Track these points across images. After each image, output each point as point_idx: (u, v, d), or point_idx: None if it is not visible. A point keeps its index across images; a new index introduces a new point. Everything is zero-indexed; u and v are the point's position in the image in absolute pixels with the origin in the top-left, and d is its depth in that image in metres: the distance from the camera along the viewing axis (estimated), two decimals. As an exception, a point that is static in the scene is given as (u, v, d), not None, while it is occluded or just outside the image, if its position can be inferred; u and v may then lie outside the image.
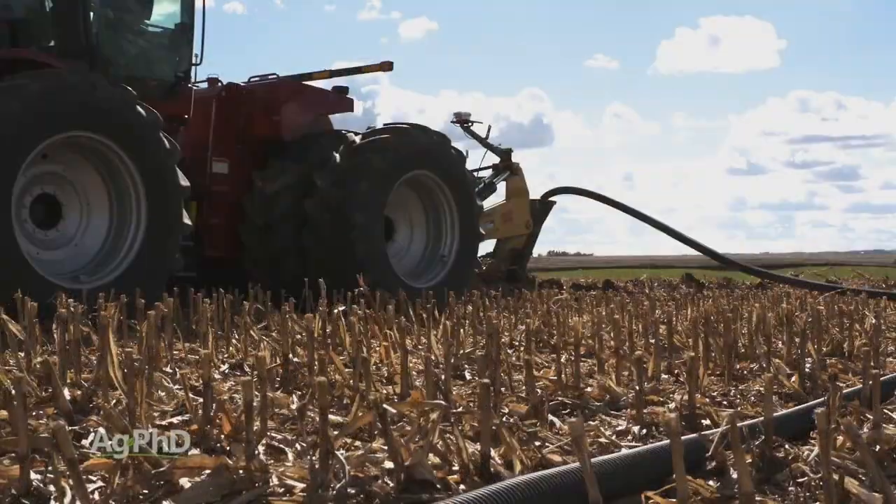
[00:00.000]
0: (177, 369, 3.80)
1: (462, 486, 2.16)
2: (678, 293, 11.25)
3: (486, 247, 12.56)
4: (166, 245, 6.94)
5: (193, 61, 8.28)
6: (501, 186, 12.24)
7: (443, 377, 3.26)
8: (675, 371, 4.04)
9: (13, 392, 2.13)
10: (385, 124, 9.16)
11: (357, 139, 8.79)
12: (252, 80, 9.38)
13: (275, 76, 9.38)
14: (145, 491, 2.08)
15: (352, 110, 9.71)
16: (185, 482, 2.12)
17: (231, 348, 4.51)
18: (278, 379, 3.63)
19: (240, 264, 8.49)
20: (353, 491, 2.07)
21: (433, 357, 3.29)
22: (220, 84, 9.10)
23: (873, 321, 5.14)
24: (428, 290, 6.99)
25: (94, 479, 2.15)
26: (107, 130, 6.65)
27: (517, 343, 5.01)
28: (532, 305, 7.73)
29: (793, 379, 3.75)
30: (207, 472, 2.14)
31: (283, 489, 2.11)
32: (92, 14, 7.47)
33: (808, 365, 3.94)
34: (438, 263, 9.14)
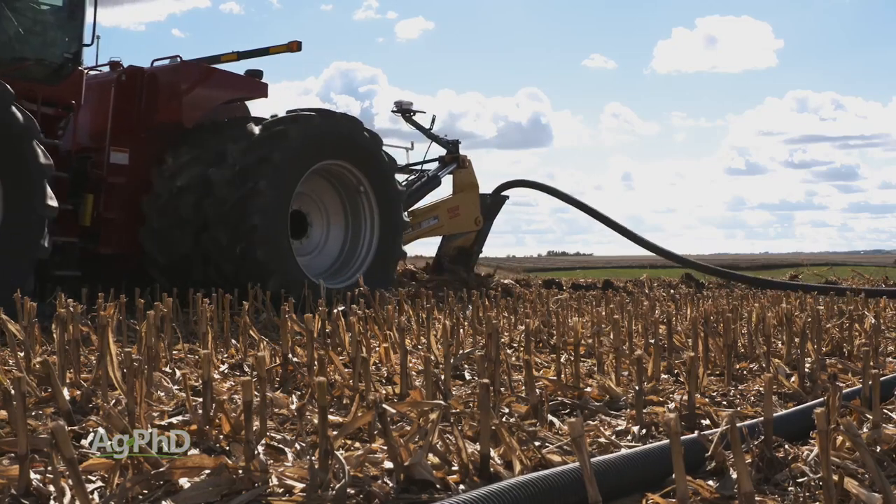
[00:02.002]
0: (176, 369, 3.80)
1: (462, 486, 2.17)
2: (678, 293, 11.25)
3: (430, 244, 12.37)
4: (29, 229, 6.16)
5: (84, 42, 7.62)
6: (448, 180, 11.75)
7: (442, 377, 3.26)
8: (675, 371, 4.04)
9: (13, 392, 2.12)
10: (288, 111, 8.30)
11: (256, 130, 7.94)
12: (155, 62, 8.54)
13: (178, 58, 8.54)
14: (145, 491, 2.08)
15: (266, 96, 8.89)
16: (184, 482, 2.12)
17: (230, 348, 4.51)
18: (278, 379, 3.63)
19: (142, 265, 7.89)
20: (352, 491, 2.07)
21: (433, 357, 3.29)
22: (121, 68, 8.38)
23: (873, 321, 5.15)
24: (345, 290, 6.65)
25: (93, 479, 2.15)
26: None
27: (517, 343, 5.02)
28: (532, 305, 7.73)
29: (792, 379, 3.75)
30: (207, 472, 2.14)
31: (282, 489, 2.11)
32: None
33: (807, 365, 3.95)
34: (357, 260, 8.51)
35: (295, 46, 8.78)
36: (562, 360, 3.81)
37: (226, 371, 3.93)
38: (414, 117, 12.06)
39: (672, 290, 12.27)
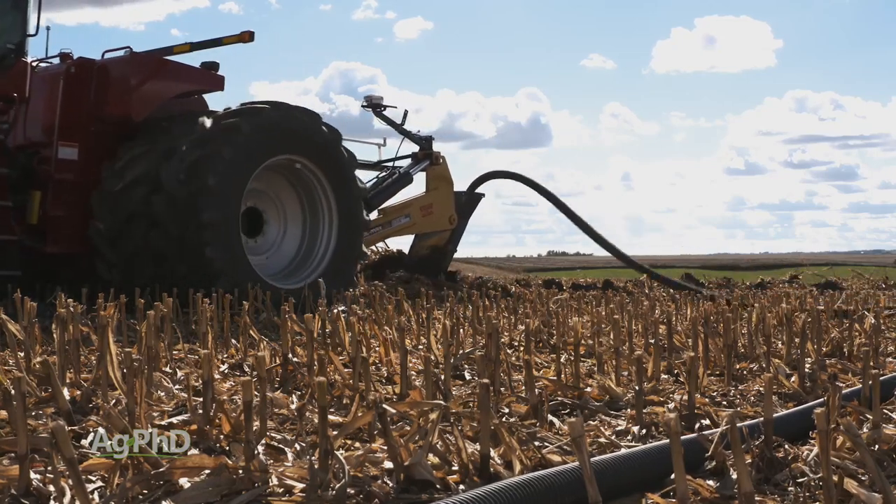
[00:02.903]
0: (176, 369, 3.80)
1: (462, 486, 2.17)
2: (678, 293, 11.25)
3: (403, 242, 11.89)
4: None
5: (28, 31, 7.31)
6: (421, 178, 11.45)
7: (442, 377, 3.26)
8: (675, 371, 4.04)
9: (13, 392, 2.12)
10: (242, 104, 7.94)
11: (207, 124, 7.51)
12: (106, 54, 8.20)
13: (129, 49, 8.11)
14: (145, 491, 2.07)
15: (222, 89, 8.51)
16: (184, 482, 2.12)
17: (231, 348, 4.52)
18: (278, 379, 3.63)
19: (92, 264, 7.47)
20: (352, 491, 2.07)
21: (433, 357, 3.29)
22: (70, 59, 7.98)
23: (873, 321, 5.15)
24: (300, 290, 6.40)
25: (93, 479, 2.15)
26: None
27: (517, 343, 5.02)
28: (532, 305, 7.73)
29: (792, 379, 3.75)
30: (207, 472, 2.14)
31: (282, 489, 2.11)
32: None
33: (807, 365, 3.95)
34: (315, 260, 8.14)
35: (247, 37, 8.45)
36: (562, 360, 3.81)
37: (226, 371, 3.93)
38: (385, 112, 11.70)
39: (672, 290, 12.28)
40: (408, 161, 11.52)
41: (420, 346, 4.71)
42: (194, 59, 8.56)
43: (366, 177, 11.13)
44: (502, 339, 4.32)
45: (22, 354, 3.53)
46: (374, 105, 11.65)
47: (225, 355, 4.34)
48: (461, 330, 5.18)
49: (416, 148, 11.63)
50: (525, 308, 7.46)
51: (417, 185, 11.52)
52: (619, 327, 4.36)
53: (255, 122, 7.46)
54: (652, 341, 4.25)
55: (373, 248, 11.38)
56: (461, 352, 4.24)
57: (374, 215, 10.55)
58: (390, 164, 11.44)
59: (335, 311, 4.93)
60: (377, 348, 4.28)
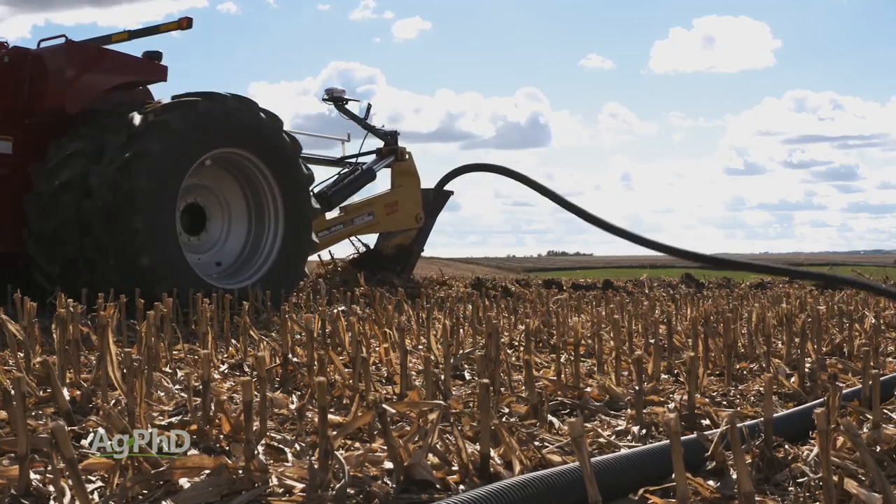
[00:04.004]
0: (176, 369, 3.80)
1: (462, 486, 2.17)
2: (678, 293, 11.25)
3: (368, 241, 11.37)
4: None
5: None
6: (385, 174, 11.02)
7: (442, 377, 3.26)
8: (675, 371, 4.04)
9: (12, 392, 2.12)
10: (174, 97, 7.48)
11: (136, 120, 7.02)
12: (42, 43, 7.72)
13: (64, 37, 7.62)
14: (145, 491, 2.08)
15: (164, 79, 8.09)
16: (184, 482, 2.12)
17: (231, 348, 4.52)
18: (278, 379, 3.63)
19: (27, 268, 7.08)
20: (352, 491, 2.07)
21: (433, 357, 3.29)
22: (5, 48, 7.56)
23: (873, 321, 5.15)
24: (243, 290, 6.20)
25: (93, 479, 2.15)
26: None
27: (517, 343, 5.02)
28: (532, 305, 7.73)
29: (792, 379, 3.75)
30: (207, 472, 2.14)
31: (282, 489, 2.11)
32: None
33: (807, 365, 3.95)
34: (260, 258, 7.74)
35: (185, 23, 8.14)
36: (562, 360, 3.81)
37: (226, 371, 3.93)
38: (347, 106, 11.26)
39: (672, 290, 12.27)
40: (372, 157, 11.11)
41: (420, 346, 4.71)
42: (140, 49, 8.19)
43: (328, 173, 10.81)
44: (502, 339, 4.32)
45: (22, 354, 3.53)
46: (336, 99, 11.20)
47: (225, 355, 4.35)
48: (461, 330, 5.18)
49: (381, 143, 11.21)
50: (525, 308, 7.47)
51: (383, 183, 11.15)
52: (619, 327, 4.36)
53: (186, 117, 7.02)
54: (652, 341, 4.25)
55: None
56: (461, 352, 4.24)
57: (334, 213, 10.27)
58: (353, 160, 11.07)
59: (335, 311, 4.93)
60: (377, 348, 4.28)
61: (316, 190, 9.98)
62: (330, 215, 10.25)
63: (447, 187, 11.86)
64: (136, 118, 7.02)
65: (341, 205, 10.38)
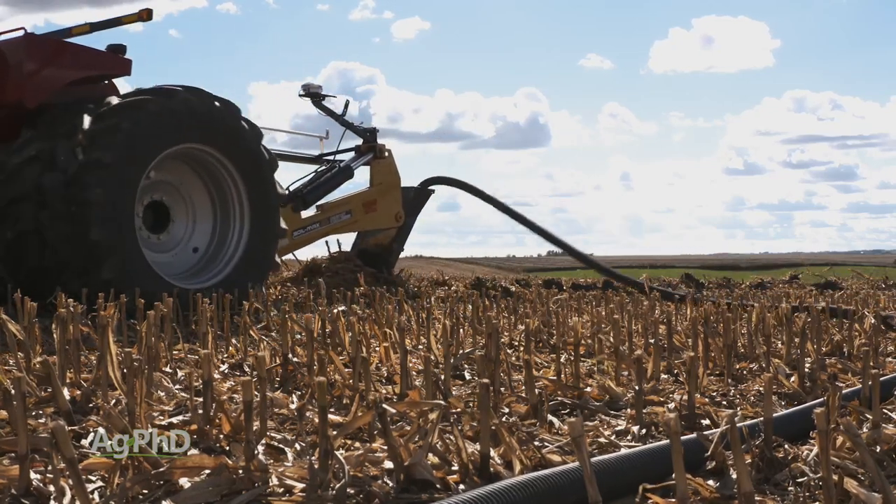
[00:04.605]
0: (177, 369, 3.80)
1: (462, 486, 2.17)
2: (678, 293, 11.24)
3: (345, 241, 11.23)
4: None
5: None
6: (364, 172, 10.79)
7: (442, 377, 3.26)
8: (675, 371, 4.04)
9: (13, 392, 2.13)
10: (123, 94, 7.11)
11: (86, 122, 6.64)
12: (0, 36, 7.34)
13: (22, 30, 7.24)
14: (145, 491, 2.08)
15: (128, 73, 7.78)
16: (184, 482, 2.12)
17: (231, 348, 4.52)
18: (278, 379, 3.63)
19: None
20: (352, 491, 2.07)
21: (433, 357, 3.29)
22: None
23: (873, 321, 5.15)
24: (209, 291, 6.01)
25: (93, 479, 2.15)
26: None
27: (517, 343, 5.02)
28: (532, 305, 7.73)
29: (792, 379, 3.75)
30: (207, 472, 2.14)
31: (282, 489, 2.11)
32: None
33: (807, 365, 3.95)
34: (224, 258, 7.45)
35: (145, 15, 7.76)
36: (562, 360, 3.81)
37: (226, 371, 3.93)
38: (324, 102, 10.98)
39: (672, 291, 12.27)
40: (351, 154, 10.84)
41: (420, 346, 4.71)
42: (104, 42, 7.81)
43: (306, 171, 10.60)
44: (502, 339, 4.32)
45: (22, 354, 3.53)
46: (313, 94, 10.93)
47: (225, 355, 4.35)
48: (461, 330, 5.18)
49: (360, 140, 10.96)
50: (525, 308, 7.47)
51: (363, 181, 10.94)
52: (619, 327, 4.36)
53: (137, 118, 6.67)
54: (652, 341, 4.25)
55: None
56: (461, 352, 4.24)
57: (311, 211, 10.06)
58: (331, 157, 10.83)
59: (335, 311, 4.93)
60: (377, 348, 4.28)
61: (292, 188, 9.84)
62: (306, 214, 10.01)
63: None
64: (86, 122, 6.66)
65: (318, 203, 10.14)
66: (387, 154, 10.91)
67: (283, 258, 10.30)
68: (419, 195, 11.50)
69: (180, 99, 7.00)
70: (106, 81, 7.67)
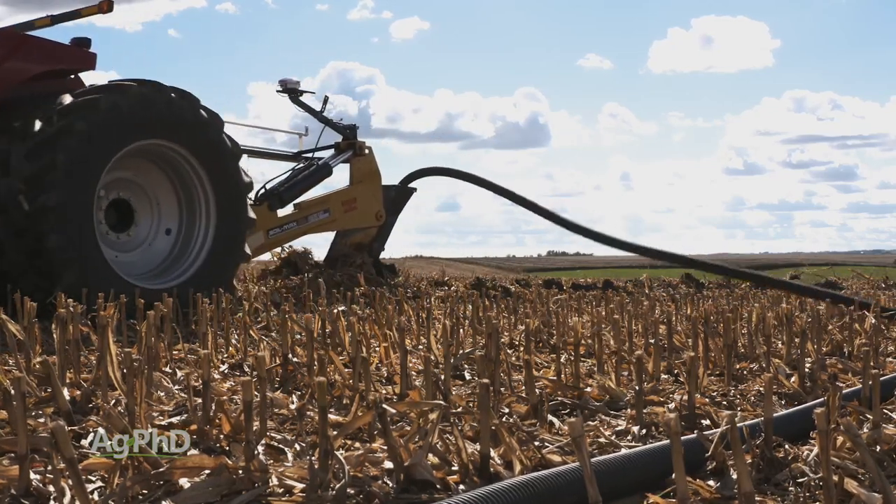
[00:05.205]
0: (176, 369, 3.80)
1: (462, 487, 2.17)
2: (678, 293, 11.24)
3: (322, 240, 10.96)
4: None
5: None
6: (344, 170, 10.54)
7: (442, 377, 3.26)
8: (675, 371, 4.04)
9: (12, 392, 2.12)
10: (72, 98, 6.72)
11: (37, 126, 6.39)
12: None
13: None
14: (145, 491, 2.08)
15: (93, 67, 7.50)
16: (184, 482, 2.12)
17: (231, 348, 4.52)
18: (278, 379, 3.63)
19: None
20: (352, 491, 2.07)
21: (433, 357, 3.29)
22: None
23: (873, 321, 5.14)
24: (173, 291, 5.76)
25: (93, 479, 2.15)
26: None
27: (517, 343, 5.02)
28: (532, 305, 7.73)
29: (792, 379, 3.75)
30: (207, 472, 2.14)
31: (282, 489, 2.11)
32: None
33: (807, 365, 3.95)
34: (189, 257, 7.22)
35: (105, 7, 7.44)
36: (562, 360, 3.81)
37: (226, 371, 3.93)
38: (302, 98, 10.64)
39: (672, 290, 12.27)
40: (330, 152, 10.56)
41: (420, 346, 4.71)
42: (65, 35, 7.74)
43: (282, 168, 10.39)
44: (502, 339, 4.32)
45: (22, 354, 3.53)
46: (290, 90, 10.59)
47: (225, 355, 4.35)
48: (461, 330, 5.18)
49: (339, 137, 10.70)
50: (525, 308, 7.47)
51: (342, 179, 10.66)
52: (620, 327, 4.36)
53: (89, 118, 6.40)
54: (652, 341, 4.25)
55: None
56: (461, 352, 4.24)
57: (288, 209, 9.86)
58: (310, 154, 10.59)
59: (335, 311, 4.93)
60: (377, 348, 4.28)
61: (268, 186, 9.64)
62: (283, 212, 9.79)
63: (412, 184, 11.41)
64: (37, 124, 6.42)
65: (294, 201, 9.91)
66: (367, 151, 10.69)
67: (260, 258, 10.20)
68: (401, 193, 11.23)
69: (134, 94, 6.75)
70: (73, 76, 7.42)
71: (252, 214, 7.70)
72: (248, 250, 7.75)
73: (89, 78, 7.61)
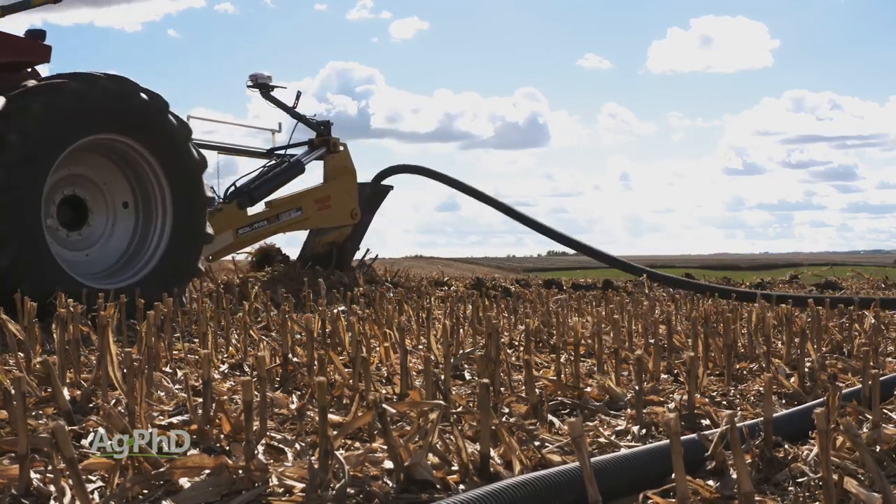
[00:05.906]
0: (177, 369, 3.80)
1: (462, 486, 2.17)
2: (678, 293, 11.24)
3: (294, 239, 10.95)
4: None
5: None
6: (317, 167, 10.40)
7: (442, 377, 3.26)
8: (675, 371, 4.04)
9: (13, 392, 2.13)
10: (40, 80, 6.64)
11: None
12: None
13: None
14: (145, 491, 2.08)
15: (48, 60, 7.25)
16: (184, 482, 2.12)
17: (231, 348, 4.52)
18: (278, 379, 3.63)
19: None
20: (352, 491, 2.07)
21: (433, 357, 3.29)
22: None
23: (873, 321, 5.15)
24: (129, 291, 5.64)
25: (93, 478, 2.15)
26: None
27: (517, 343, 5.02)
28: (532, 305, 7.73)
29: (792, 379, 3.75)
30: (207, 472, 2.14)
31: (282, 489, 2.11)
32: None
33: (807, 365, 3.95)
34: (146, 255, 6.99)
35: None
36: (562, 360, 3.81)
37: (226, 371, 3.93)
38: (273, 93, 10.44)
39: (672, 290, 12.26)
40: (304, 149, 10.39)
41: (420, 346, 4.71)
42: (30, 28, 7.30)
43: (254, 166, 10.15)
44: (502, 339, 4.32)
45: (22, 354, 3.53)
46: (261, 85, 10.34)
47: (225, 355, 4.35)
48: (461, 330, 5.18)
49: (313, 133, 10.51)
50: (525, 308, 7.46)
51: (315, 176, 10.48)
52: (619, 327, 4.36)
53: (21, 126, 6.13)
54: (652, 341, 4.25)
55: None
56: (461, 352, 4.24)
57: (259, 208, 9.67)
58: (283, 151, 10.41)
59: (335, 311, 4.93)
60: (377, 348, 4.28)
61: (238, 183, 9.49)
62: (253, 211, 9.58)
63: (386, 182, 11.27)
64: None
65: (266, 199, 9.74)
66: (342, 148, 10.53)
67: (231, 256, 10.04)
68: (377, 191, 11.04)
69: (100, 86, 6.57)
70: (29, 69, 7.20)
71: (210, 230, 7.47)
72: (201, 266, 7.54)
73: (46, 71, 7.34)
